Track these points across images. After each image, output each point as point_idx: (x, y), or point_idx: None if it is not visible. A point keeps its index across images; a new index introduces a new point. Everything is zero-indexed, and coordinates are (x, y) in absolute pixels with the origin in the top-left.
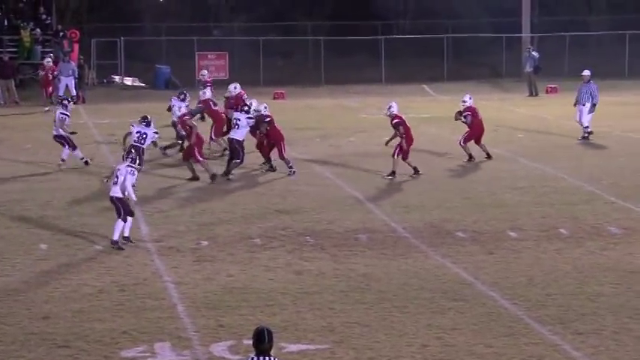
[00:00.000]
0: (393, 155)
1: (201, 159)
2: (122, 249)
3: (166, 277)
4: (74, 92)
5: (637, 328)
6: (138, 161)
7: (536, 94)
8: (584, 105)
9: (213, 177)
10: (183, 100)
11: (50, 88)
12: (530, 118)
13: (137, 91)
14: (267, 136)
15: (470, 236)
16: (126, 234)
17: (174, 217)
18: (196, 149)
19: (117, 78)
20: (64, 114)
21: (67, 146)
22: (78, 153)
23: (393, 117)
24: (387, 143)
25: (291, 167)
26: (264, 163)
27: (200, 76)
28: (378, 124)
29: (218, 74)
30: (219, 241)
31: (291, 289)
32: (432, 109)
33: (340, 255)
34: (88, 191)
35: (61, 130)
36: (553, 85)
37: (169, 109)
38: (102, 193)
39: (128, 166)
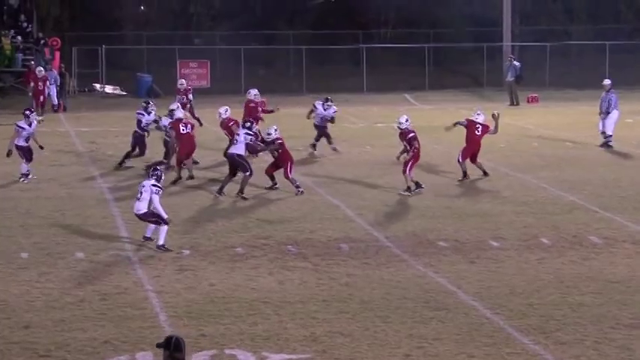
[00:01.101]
0: (404, 172)
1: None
2: (170, 250)
3: (148, 286)
4: (56, 101)
5: (618, 338)
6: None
7: (517, 104)
8: (606, 115)
9: (176, 181)
10: (147, 111)
11: (42, 98)
12: (512, 127)
13: (118, 99)
14: (277, 157)
15: (451, 246)
16: (147, 234)
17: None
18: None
19: (98, 86)
20: (19, 126)
21: (24, 159)
22: (24, 166)
23: (407, 131)
24: (398, 157)
25: (298, 187)
26: (272, 186)
27: (179, 85)
28: (360, 133)
29: (200, 83)
30: (201, 250)
31: (274, 299)
32: (414, 118)
33: (322, 264)
34: (69, 200)
35: (16, 141)
36: (534, 95)
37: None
38: (84, 202)
39: (154, 185)
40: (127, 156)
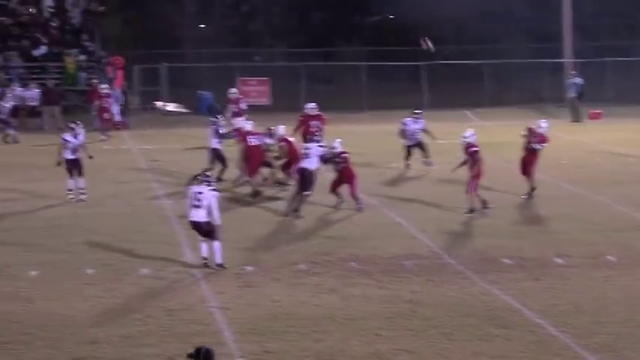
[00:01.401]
0: (468, 192)
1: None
2: (225, 267)
3: (212, 302)
4: (119, 119)
5: None
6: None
7: (580, 120)
8: None
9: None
10: (219, 123)
11: (107, 116)
12: (574, 144)
13: (180, 117)
14: (341, 172)
15: (516, 263)
16: (204, 253)
17: None
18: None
19: (160, 104)
20: (64, 139)
21: (69, 175)
22: (70, 182)
23: (470, 145)
24: (455, 170)
25: (360, 204)
26: (339, 203)
27: (230, 95)
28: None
29: (260, 100)
30: (264, 266)
31: (337, 315)
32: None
33: (386, 281)
34: (133, 217)
35: (64, 154)
36: (596, 111)
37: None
38: (147, 219)
39: (212, 189)
40: (220, 172)
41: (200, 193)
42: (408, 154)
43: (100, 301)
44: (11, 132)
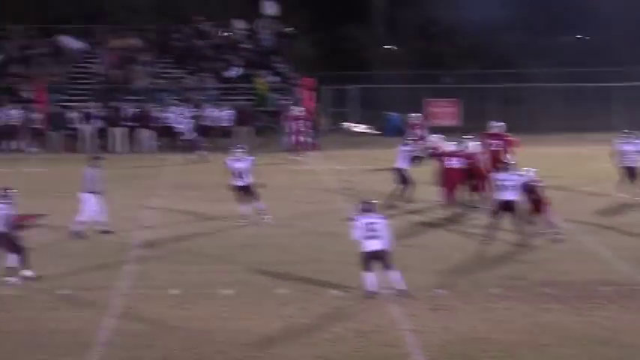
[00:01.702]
0: None
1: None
2: (407, 293)
3: (403, 324)
4: (308, 140)
5: None
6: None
7: None
8: None
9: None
10: (409, 147)
11: (298, 138)
12: None
13: (367, 137)
14: (533, 202)
15: None
16: (372, 287)
17: (411, 265)
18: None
19: (348, 125)
20: (226, 162)
21: (240, 201)
22: (242, 208)
23: None
24: None
25: (556, 232)
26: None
27: (411, 120)
28: (613, 175)
29: (449, 121)
30: (456, 289)
31: (531, 341)
32: None
33: (582, 307)
34: (323, 237)
35: (232, 180)
36: None
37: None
38: (337, 239)
39: (383, 217)
40: (403, 193)
41: (373, 223)
42: (622, 179)
43: (291, 320)
44: (200, 152)
